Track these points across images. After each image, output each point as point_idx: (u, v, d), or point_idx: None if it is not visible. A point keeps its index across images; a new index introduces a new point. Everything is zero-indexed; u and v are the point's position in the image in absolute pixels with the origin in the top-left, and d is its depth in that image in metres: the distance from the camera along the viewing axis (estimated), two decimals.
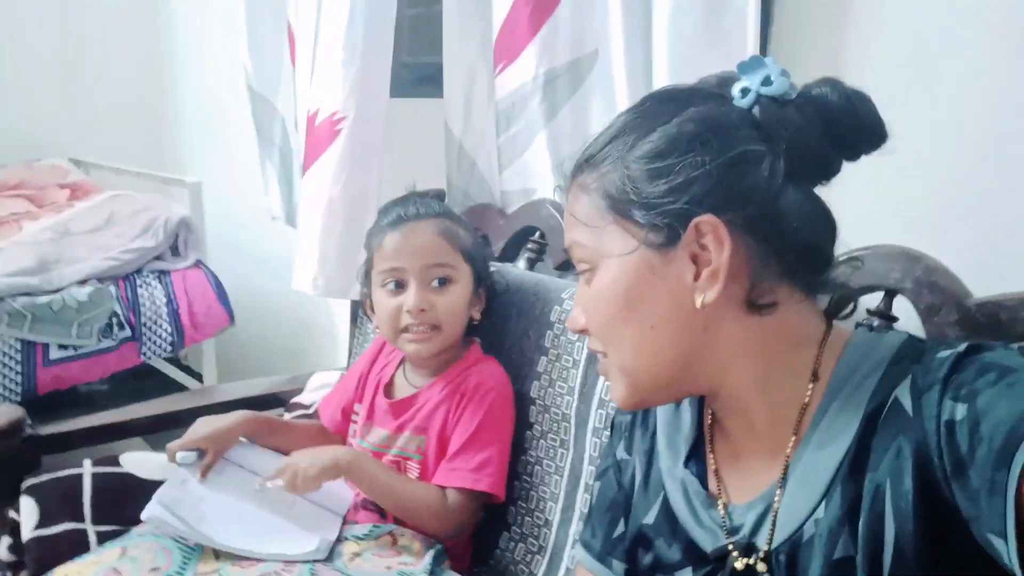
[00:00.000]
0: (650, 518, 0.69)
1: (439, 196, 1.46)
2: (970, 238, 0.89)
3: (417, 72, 1.79)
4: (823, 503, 0.56)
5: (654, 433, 0.72)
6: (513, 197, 1.36)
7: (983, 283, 0.80)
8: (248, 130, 1.77)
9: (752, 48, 0.93)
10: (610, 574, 0.73)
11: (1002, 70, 0.88)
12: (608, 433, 0.88)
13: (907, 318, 0.84)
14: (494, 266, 1.23)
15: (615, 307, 0.60)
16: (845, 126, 0.57)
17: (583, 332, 0.65)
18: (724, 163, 0.55)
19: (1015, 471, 0.45)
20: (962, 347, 0.53)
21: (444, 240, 1.05)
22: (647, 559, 0.69)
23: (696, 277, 0.57)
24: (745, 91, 0.58)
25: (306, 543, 0.97)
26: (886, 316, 0.87)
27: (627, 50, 1.08)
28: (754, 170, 0.56)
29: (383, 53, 1.35)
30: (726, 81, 0.60)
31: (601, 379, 0.99)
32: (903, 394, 0.54)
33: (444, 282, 1.05)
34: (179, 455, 1.04)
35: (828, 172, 0.59)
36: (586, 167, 0.61)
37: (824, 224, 0.59)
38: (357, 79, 1.33)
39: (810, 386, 0.59)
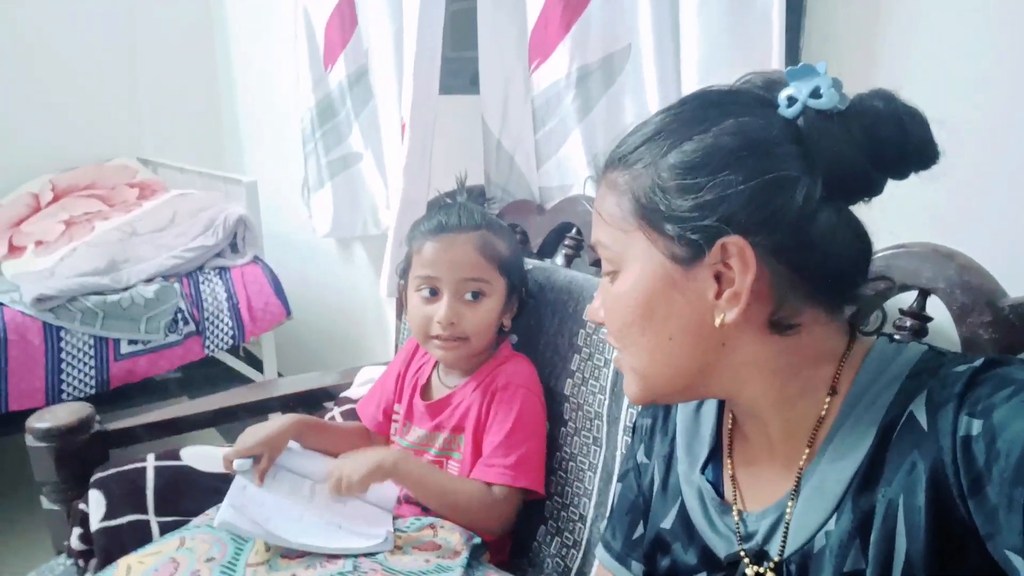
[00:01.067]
0: (668, 522, 0.70)
1: (480, 194, 1.48)
2: (1004, 236, 0.86)
3: (457, 68, 1.81)
4: (835, 516, 0.56)
5: (673, 438, 0.73)
6: (551, 193, 1.37)
7: (1018, 283, 0.78)
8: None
9: (778, 43, 0.92)
10: (628, 574, 0.75)
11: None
12: None
13: (940, 318, 0.83)
14: (530, 263, 1.25)
15: (634, 314, 0.60)
16: (893, 146, 0.54)
17: (600, 324, 0.66)
18: (758, 185, 0.53)
19: None
20: (979, 362, 0.52)
21: (481, 256, 1.07)
22: (665, 563, 0.70)
23: (718, 296, 0.56)
24: (792, 100, 0.55)
25: (374, 536, 1.00)
26: (920, 316, 0.85)
27: (657, 46, 1.08)
28: (789, 194, 0.53)
29: (433, 53, 1.38)
30: (773, 85, 0.58)
31: None
32: (918, 409, 0.53)
33: (477, 295, 1.07)
34: (236, 463, 1.07)
35: (870, 191, 0.57)
36: (619, 165, 0.60)
37: (858, 247, 0.57)
38: (412, 82, 1.37)
39: (827, 400, 0.59)
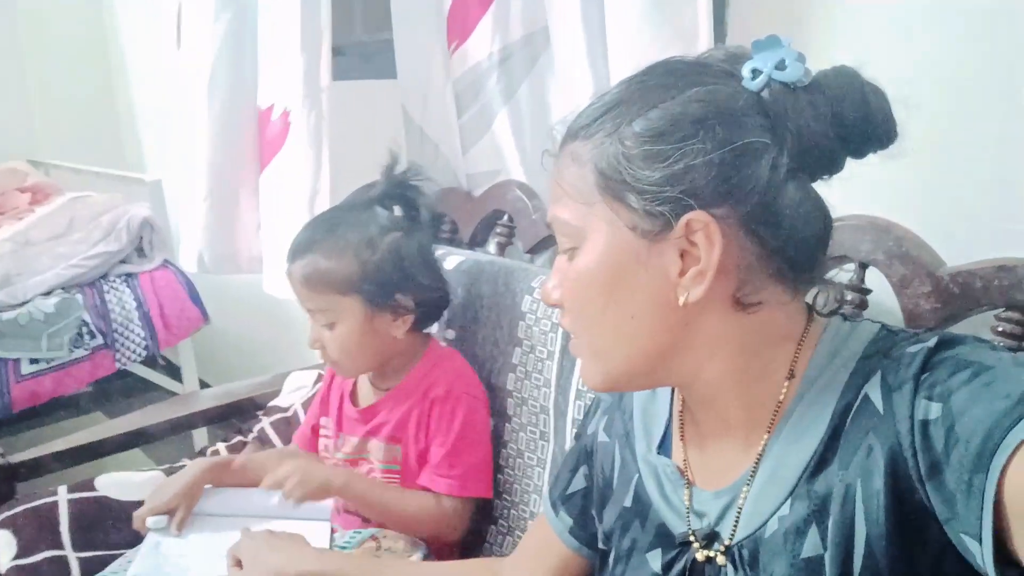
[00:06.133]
0: (628, 501, 0.69)
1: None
2: (939, 207, 0.86)
3: (373, 51, 1.73)
4: (788, 501, 0.55)
5: (630, 417, 0.71)
6: (479, 179, 1.33)
7: (955, 251, 0.78)
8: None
9: (706, 17, 0.90)
10: (557, 521, 0.76)
11: (965, 32, 0.84)
12: None
13: (880, 290, 0.83)
14: (461, 254, 1.20)
15: (595, 291, 0.57)
16: (856, 121, 0.53)
17: (556, 305, 0.62)
18: (726, 154, 0.52)
19: (993, 475, 0.44)
20: (932, 341, 0.52)
21: (307, 287, 0.99)
22: (626, 543, 0.68)
23: (682, 273, 0.54)
24: (756, 72, 0.54)
25: None
26: (859, 289, 0.85)
27: (584, 23, 1.04)
28: (756, 164, 0.52)
29: (320, 38, 1.29)
30: (736, 58, 0.56)
31: (578, 370, 0.98)
32: (873, 391, 0.52)
33: (326, 323, 1.01)
34: (149, 520, 1.01)
35: (832, 167, 0.56)
36: (580, 135, 0.57)
37: (820, 222, 0.55)
38: (297, 69, 1.28)
39: (786, 383, 0.58)
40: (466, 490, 1.00)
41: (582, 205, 0.56)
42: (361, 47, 1.87)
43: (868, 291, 0.85)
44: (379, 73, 1.55)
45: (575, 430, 0.97)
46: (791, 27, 0.94)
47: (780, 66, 0.53)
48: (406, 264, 1.01)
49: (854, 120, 0.53)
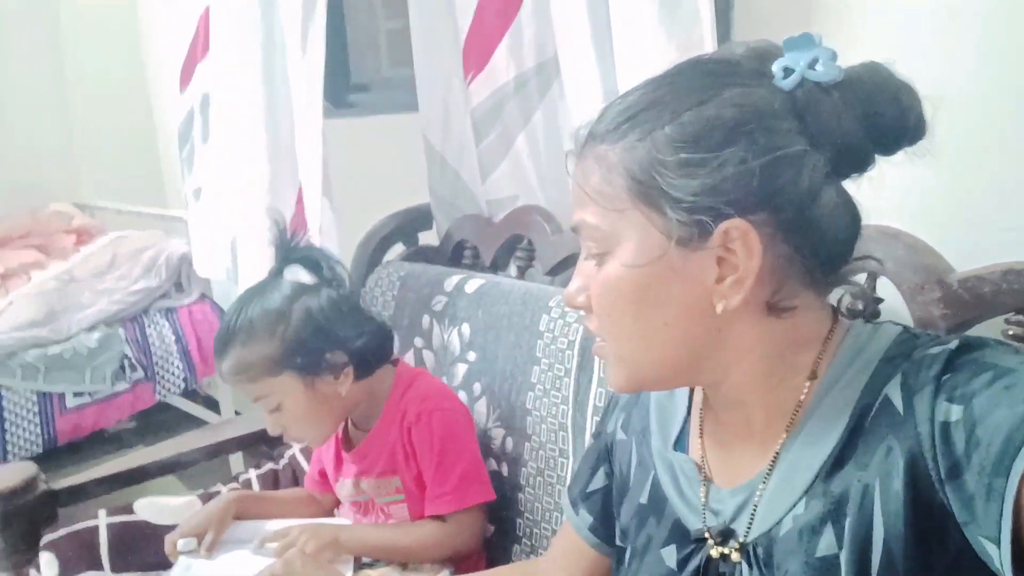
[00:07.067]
0: (644, 498, 0.68)
1: (420, 214, 1.46)
2: (947, 212, 0.87)
3: (397, 85, 1.79)
4: (804, 499, 0.55)
5: (648, 413, 0.71)
6: (499, 205, 1.36)
7: (965, 257, 0.78)
8: None
9: (710, 28, 0.91)
10: (577, 519, 0.77)
11: (976, 35, 0.85)
12: None
13: (891, 299, 0.83)
14: (482, 278, 1.22)
15: (627, 298, 0.55)
16: (889, 120, 0.52)
17: (580, 308, 0.60)
18: (766, 162, 0.50)
19: (1013, 479, 0.44)
20: (954, 344, 0.51)
21: (240, 381, 0.99)
22: (642, 539, 0.68)
23: (719, 281, 0.53)
24: (788, 71, 0.52)
25: None
26: (870, 298, 0.85)
27: (594, 46, 1.06)
28: (794, 170, 0.51)
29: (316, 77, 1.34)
30: (765, 55, 0.54)
31: (594, 386, 0.99)
32: (893, 392, 0.52)
33: (273, 407, 1.00)
34: (180, 543, 1.05)
35: (864, 166, 0.55)
36: (607, 138, 0.55)
37: (852, 223, 0.55)
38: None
39: (807, 384, 0.57)
40: (465, 501, 1.01)
41: (611, 211, 0.55)
42: (387, 83, 1.94)
43: (880, 300, 0.85)
44: (404, 107, 1.60)
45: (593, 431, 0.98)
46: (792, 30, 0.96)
47: (812, 64, 0.52)
48: (323, 323, 0.99)
49: (888, 119, 0.52)
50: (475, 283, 1.22)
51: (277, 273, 1.04)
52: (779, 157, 0.51)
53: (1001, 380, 0.47)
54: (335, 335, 1.00)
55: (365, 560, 1.04)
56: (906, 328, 0.57)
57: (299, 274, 1.06)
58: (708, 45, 0.92)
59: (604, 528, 0.75)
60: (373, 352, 1.04)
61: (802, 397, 0.57)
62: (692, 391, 0.69)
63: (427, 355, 1.28)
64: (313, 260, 1.06)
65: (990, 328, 0.77)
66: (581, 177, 0.57)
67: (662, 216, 0.53)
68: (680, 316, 0.55)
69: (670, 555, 0.64)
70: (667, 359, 0.57)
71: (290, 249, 1.05)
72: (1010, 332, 0.74)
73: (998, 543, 0.44)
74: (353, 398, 1.04)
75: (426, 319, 1.28)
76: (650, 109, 0.53)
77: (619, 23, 0.98)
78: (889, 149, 0.54)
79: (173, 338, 2.03)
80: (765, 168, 0.51)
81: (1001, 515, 0.44)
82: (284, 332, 0.97)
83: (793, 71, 0.52)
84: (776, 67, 0.53)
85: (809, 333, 0.58)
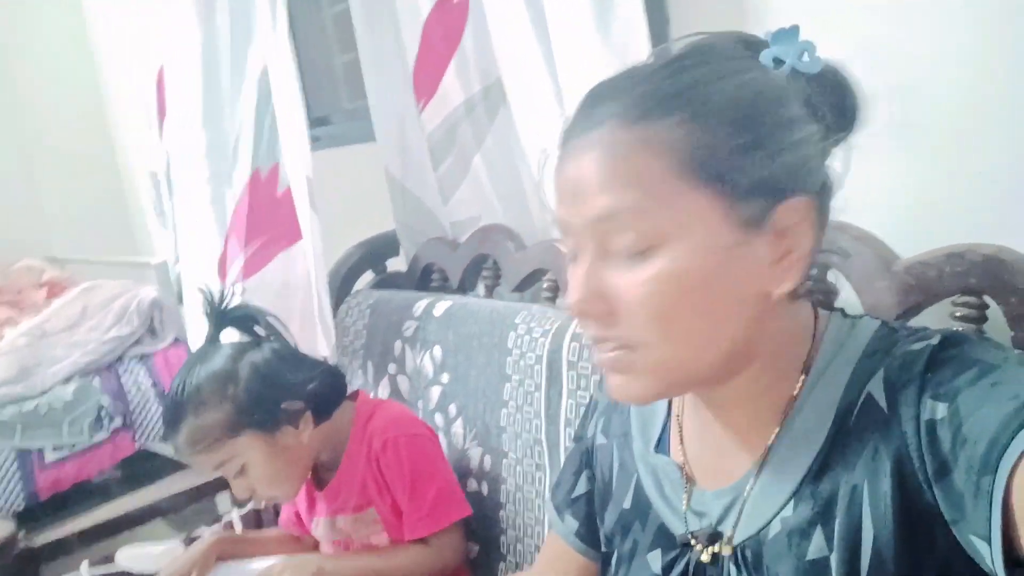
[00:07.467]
0: (627, 503, 0.68)
1: (387, 240, 1.47)
2: (888, 200, 0.89)
3: (356, 117, 1.80)
4: (792, 502, 0.55)
5: (628, 417, 0.71)
6: (462, 227, 1.37)
7: (908, 245, 0.80)
8: None
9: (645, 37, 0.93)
10: (562, 526, 0.76)
11: (905, 20, 0.87)
12: None
13: (844, 290, 0.84)
14: (449, 299, 1.23)
15: (685, 295, 0.51)
16: (854, 113, 0.55)
17: (595, 318, 0.54)
18: (807, 139, 0.51)
19: (1001, 477, 0.44)
20: (936, 339, 0.51)
21: (200, 453, 0.98)
22: (627, 545, 0.67)
23: (776, 263, 0.52)
24: (779, 61, 0.52)
25: None
26: (826, 291, 0.87)
27: (537, 63, 1.07)
28: (821, 147, 0.52)
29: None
30: (752, 45, 0.54)
31: (564, 399, 0.99)
32: (876, 390, 0.52)
33: (237, 472, 1.00)
34: None
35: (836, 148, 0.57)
36: (639, 121, 0.51)
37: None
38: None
39: (801, 378, 0.56)
40: (442, 521, 1.02)
41: (653, 199, 0.50)
42: (347, 115, 1.95)
43: (836, 292, 0.87)
44: (363, 137, 1.62)
45: (572, 437, 0.98)
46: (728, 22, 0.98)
47: (800, 56, 0.53)
48: (272, 376, 1.00)
49: (852, 111, 0.55)
50: (443, 305, 1.23)
51: (214, 338, 1.04)
52: (813, 133, 0.51)
53: (987, 377, 0.47)
54: (287, 384, 1.00)
55: None
56: (884, 322, 0.57)
57: (233, 336, 1.07)
58: (645, 50, 0.94)
59: (590, 534, 0.75)
60: (327, 393, 1.05)
61: (795, 391, 0.56)
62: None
63: (401, 380, 1.28)
64: (247, 318, 1.07)
65: (939, 311, 0.79)
66: (608, 162, 0.51)
67: (719, 199, 0.50)
68: (734, 307, 0.52)
69: (655, 560, 0.63)
70: (707, 359, 0.54)
71: (221, 313, 1.05)
72: (957, 314, 0.76)
73: (989, 541, 0.44)
74: (316, 443, 1.05)
75: (398, 345, 1.28)
76: (688, 91, 0.51)
77: (557, 39, 1.00)
78: (841, 140, 0.56)
79: (150, 383, 2.01)
80: (807, 144, 0.51)
81: (991, 513, 0.44)
82: (235, 392, 0.97)
83: (783, 61, 0.53)
84: (764, 57, 0.53)
85: (804, 323, 0.57)
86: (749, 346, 0.54)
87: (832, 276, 0.84)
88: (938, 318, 0.78)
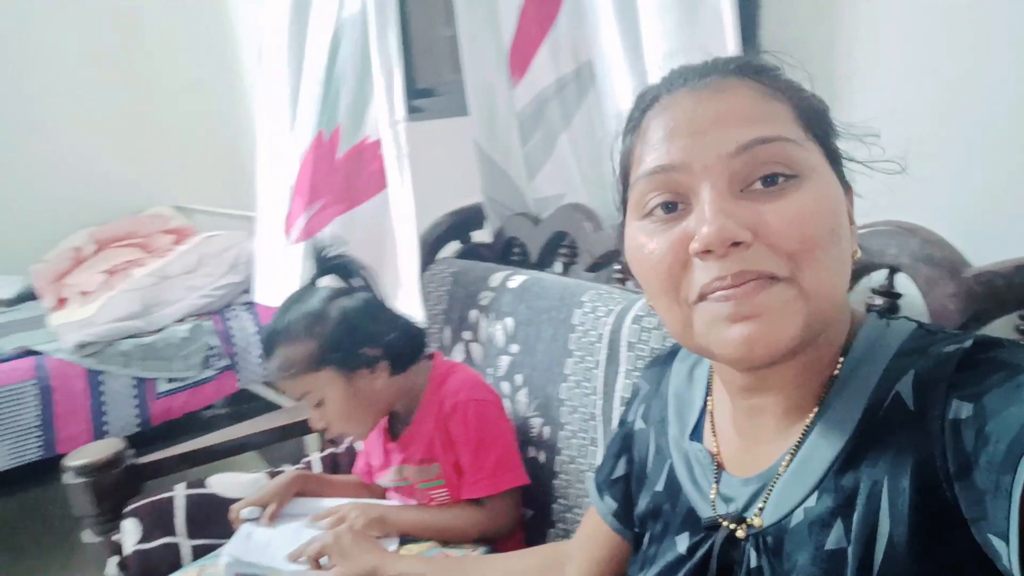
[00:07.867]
0: (660, 486, 0.71)
1: (474, 212, 1.53)
2: (962, 207, 0.86)
3: (456, 90, 1.86)
4: (815, 493, 0.56)
5: (666, 404, 0.74)
6: (546, 203, 1.40)
7: (982, 251, 0.78)
8: None
9: (732, 32, 0.93)
10: (601, 504, 0.80)
11: (987, 42, 0.84)
12: None
13: (909, 293, 0.83)
14: (525, 274, 1.28)
15: (830, 223, 0.54)
16: None
17: (741, 242, 0.52)
18: None
19: (1020, 475, 0.44)
20: (968, 342, 0.52)
21: (286, 379, 1.08)
22: (659, 527, 0.70)
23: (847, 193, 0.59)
24: None
25: None
26: (890, 294, 0.86)
27: (625, 50, 1.10)
28: None
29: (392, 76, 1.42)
30: None
31: (621, 377, 1.02)
32: (905, 389, 0.53)
33: (318, 403, 1.09)
34: (243, 512, 1.16)
35: None
36: (760, 78, 0.57)
37: None
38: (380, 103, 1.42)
39: (841, 360, 0.58)
40: (499, 485, 1.07)
41: (798, 139, 0.55)
42: (447, 86, 2.01)
43: (898, 295, 0.85)
44: (461, 111, 1.67)
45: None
46: (818, 27, 0.97)
47: None
48: (357, 322, 1.08)
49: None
50: (518, 279, 1.28)
51: (312, 282, 1.14)
52: None
53: (1014, 379, 0.47)
54: (368, 332, 1.08)
55: (408, 537, 1.11)
56: (921, 324, 0.58)
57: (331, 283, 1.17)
58: (730, 38, 0.94)
59: (626, 514, 0.78)
60: (405, 347, 1.12)
61: (835, 372, 0.58)
62: (710, 382, 0.71)
63: (475, 347, 1.34)
64: (342, 268, 1.16)
65: (1005, 323, 0.77)
66: (749, 98, 0.56)
67: (827, 159, 0.57)
68: (848, 244, 0.56)
69: (682, 541, 0.66)
70: (843, 301, 0.58)
71: (324, 260, 1.15)
72: (1022, 328, 0.74)
73: (1007, 539, 0.44)
74: (390, 393, 1.12)
75: (474, 313, 1.34)
76: (788, 83, 0.59)
77: (647, 30, 1.01)
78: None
79: (254, 329, 2.18)
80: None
81: (1009, 511, 0.44)
82: (323, 331, 1.06)
83: None
84: None
85: (848, 312, 0.59)
86: (841, 307, 0.58)
87: (901, 280, 0.83)
88: (1003, 332, 0.76)
